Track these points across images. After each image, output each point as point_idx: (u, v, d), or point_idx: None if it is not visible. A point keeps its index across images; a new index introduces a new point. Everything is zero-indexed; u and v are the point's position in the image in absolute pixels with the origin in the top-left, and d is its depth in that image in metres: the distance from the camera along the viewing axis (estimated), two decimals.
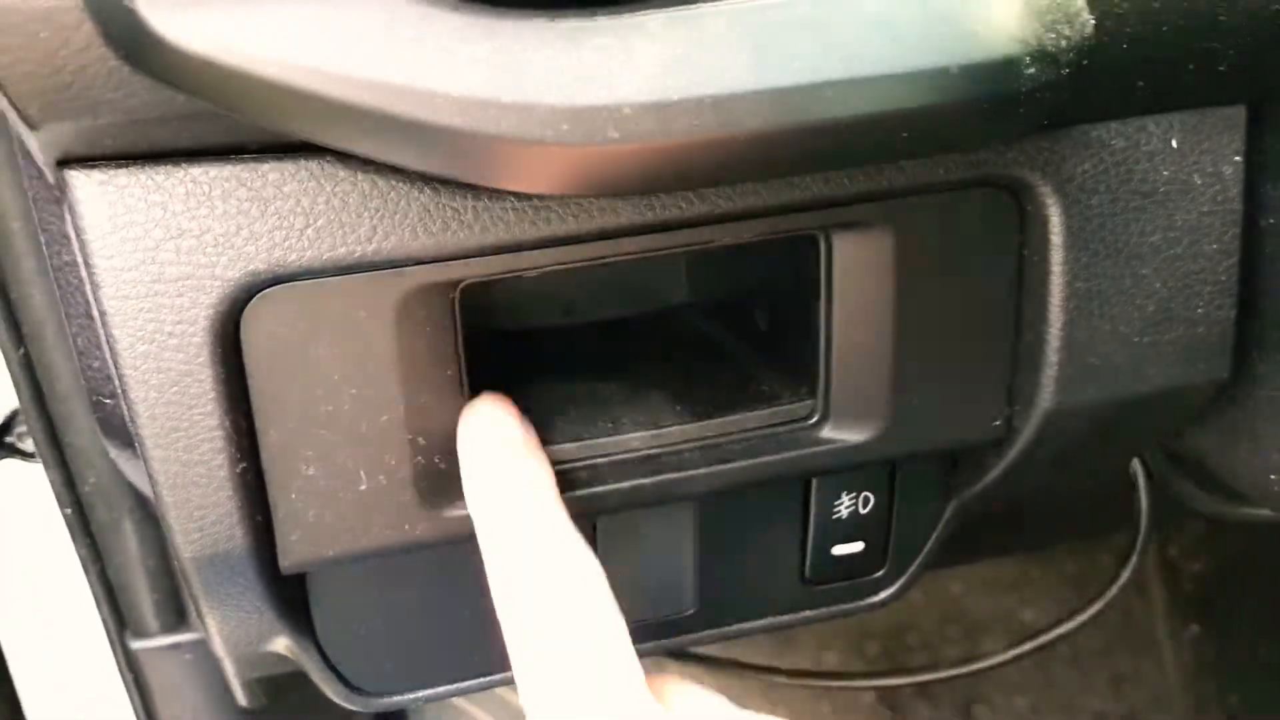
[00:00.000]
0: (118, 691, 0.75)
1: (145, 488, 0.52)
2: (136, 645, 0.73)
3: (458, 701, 1.11)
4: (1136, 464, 0.64)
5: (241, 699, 0.74)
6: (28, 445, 0.66)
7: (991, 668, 0.73)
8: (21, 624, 0.76)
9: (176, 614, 0.73)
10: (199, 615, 0.49)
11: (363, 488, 0.45)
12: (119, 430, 0.48)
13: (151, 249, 0.40)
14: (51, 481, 0.64)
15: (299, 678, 0.56)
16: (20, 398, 0.60)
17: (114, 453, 0.52)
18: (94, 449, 0.63)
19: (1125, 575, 0.64)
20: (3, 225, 0.54)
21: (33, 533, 0.71)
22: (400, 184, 0.41)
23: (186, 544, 0.44)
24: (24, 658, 0.77)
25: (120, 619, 0.72)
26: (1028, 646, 0.72)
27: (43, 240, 0.46)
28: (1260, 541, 1.13)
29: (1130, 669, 1.26)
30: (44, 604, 0.74)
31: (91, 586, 0.69)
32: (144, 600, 0.71)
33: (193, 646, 0.74)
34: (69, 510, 0.66)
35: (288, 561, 0.46)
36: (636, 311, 0.60)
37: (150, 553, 0.69)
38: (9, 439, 0.67)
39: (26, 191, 0.47)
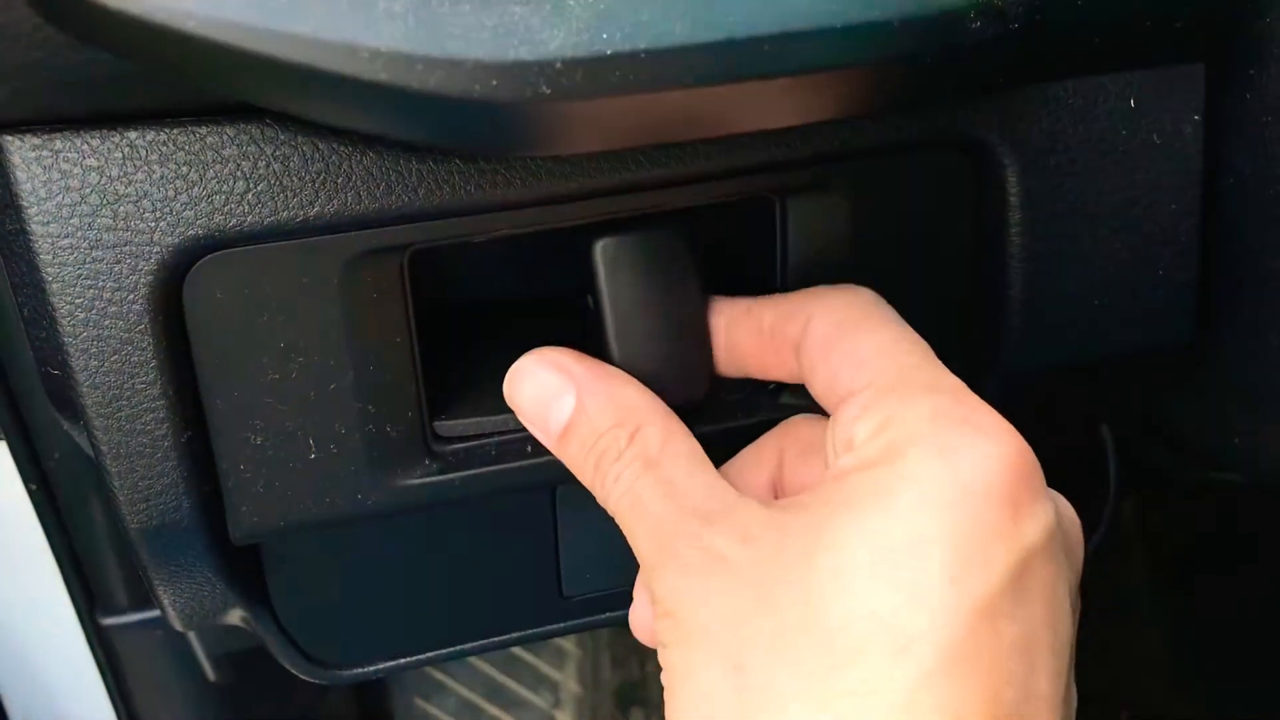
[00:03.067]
0: (88, 669, 0.75)
1: None
2: (106, 622, 0.73)
3: (431, 671, 1.12)
4: (1105, 430, 0.63)
5: (210, 674, 0.74)
6: None
7: None
8: None
9: (146, 590, 0.72)
10: (150, 589, 0.48)
11: (313, 457, 0.45)
12: (67, 402, 0.47)
13: (89, 215, 0.39)
14: (15, 457, 0.63)
15: (268, 652, 0.56)
16: None
17: (66, 425, 0.52)
18: (58, 424, 0.63)
19: (1095, 540, 0.63)
20: None
21: None
22: (343, 146, 0.40)
23: (133, 515, 0.44)
24: None
25: (89, 596, 0.71)
26: None
27: None
28: (1241, 511, 1.13)
29: (1113, 639, 1.26)
30: (10, 582, 0.73)
31: (59, 563, 0.69)
32: (113, 576, 0.71)
33: (163, 622, 0.73)
34: (33, 486, 0.65)
35: (238, 533, 0.45)
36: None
37: (118, 529, 0.69)
38: None
39: None
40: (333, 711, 1.01)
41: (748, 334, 0.45)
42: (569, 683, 1.17)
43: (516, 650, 1.16)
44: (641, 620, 0.44)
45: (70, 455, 0.64)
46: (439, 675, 1.12)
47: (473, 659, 1.13)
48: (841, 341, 0.40)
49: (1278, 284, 0.48)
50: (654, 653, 0.40)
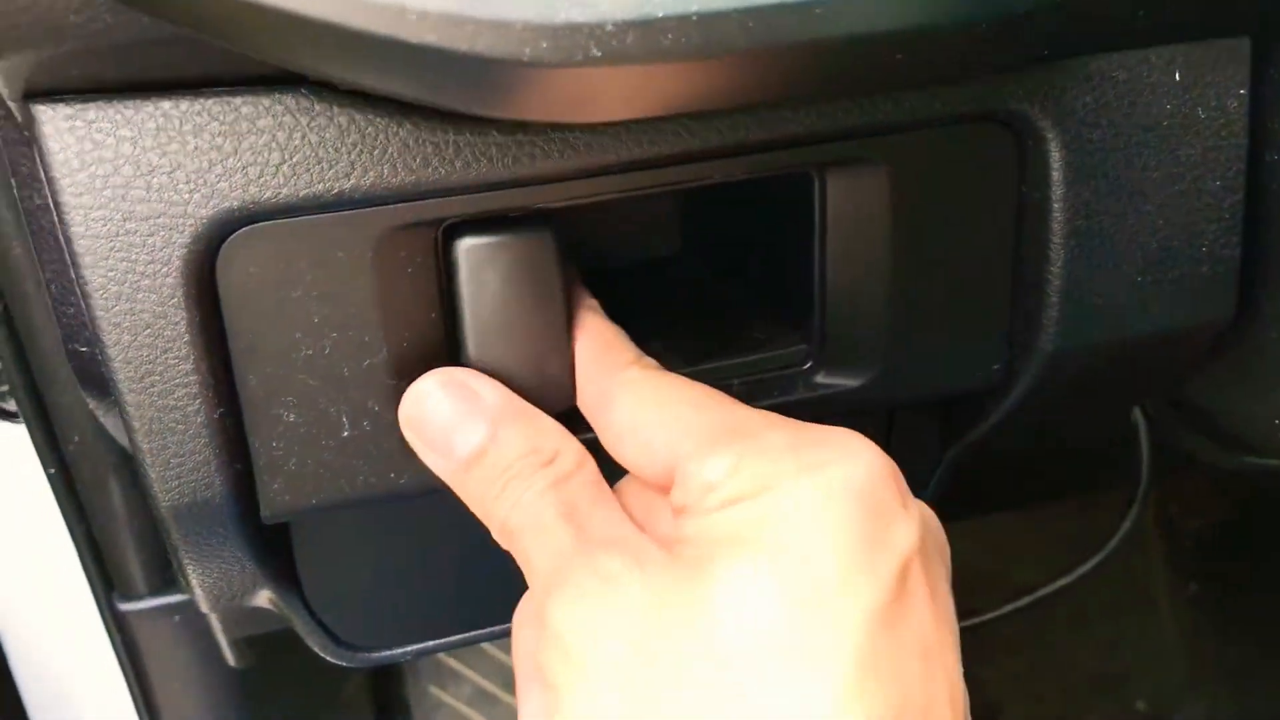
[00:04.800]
0: (106, 654, 0.74)
1: (124, 439, 0.51)
2: (125, 607, 0.72)
3: (447, 660, 1.11)
4: (1138, 413, 0.62)
5: (230, 659, 0.73)
6: (9, 404, 0.65)
7: (985, 623, 0.73)
8: (6, 588, 0.75)
9: (165, 575, 0.72)
10: (179, 568, 0.48)
11: (345, 435, 0.44)
12: (96, 379, 0.47)
13: (122, 186, 0.39)
14: (34, 441, 0.63)
15: (289, 637, 0.55)
16: (1, 355, 0.59)
17: (92, 404, 0.51)
18: (77, 407, 0.62)
19: (1127, 525, 0.63)
20: None
21: (15, 495, 0.70)
22: (379, 118, 0.40)
23: (164, 492, 0.43)
24: (10, 622, 0.76)
25: (107, 581, 0.71)
26: (1024, 601, 0.71)
27: (13, 185, 0.45)
28: (1260, 499, 1.12)
29: (1128, 628, 1.26)
30: (29, 567, 0.73)
31: (77, 548, 0.68)
32: (131, 561, 0.70)
33: (182, 608, 0.73)
34: (53, 470, 0.65)
35: (269, 511, 0.45)
36: (627, 262, 0.59)
37: (137, 513, 0.68)
38: None
39: None
40: (349, 699, 1.01)
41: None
42: None
43: None
44: (524, 651, 0.43)
45: (89, 439, 0.64)
46: (454, 664, 1.11)
47: (488, 646, 1.12)
48: (648, 411, 0.41)
49: None
50: None
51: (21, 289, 0.57)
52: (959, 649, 0.37)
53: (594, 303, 0.46)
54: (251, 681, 0.81)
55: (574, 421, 0.43)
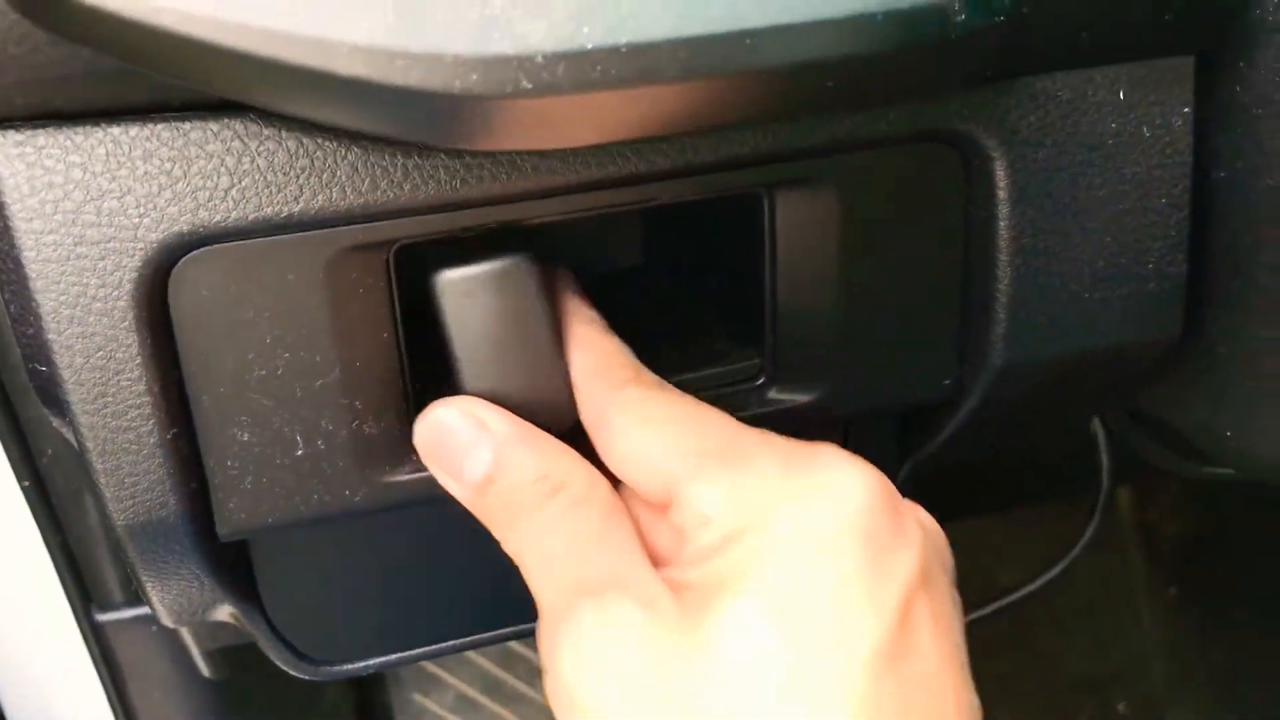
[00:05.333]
0: (84, 665, 0.74)
1: None
2: (102, 618, 0.72)
3: (428, 667, 1.12)
4: (1097, 423, 0.63)
5: (204, 670, 0.73)
6: None
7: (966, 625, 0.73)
8: None
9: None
10: (138, 585, 0.48)
11: (300, 453, 0.44)
12: (53, 399, 0.47)
13: (72, 211, 0.39)
14: (8, 455, 0.63)
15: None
16: None
17: (56, 422, 0.51)
18: (50, 421, 0.62)
19: (1089, 533, 0.63)
20: None
21: None
22: (328, 142, 0.40)
23: (119, 511, 0.43)
24: None
25: (84, 592, 0.71)
26: (1001, 603, 0.72)
27: None
28: (1235, 503, 1.13)
29: (1111, 631, 1.26)
30: (5, 579, 0.73)
31: (54, 560, 0.69)
32: (108, 572, 0.71)
33: (158, 618, 0.73)
34: (27, 483, 0.65)
35: (225, 529, 0.45)
36: (591, 273, 0.59)
37: (112, 525, 0.68)
38: None
39: None
40: (330, 707, 1.01)
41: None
42: None
43: (514, 645, 1.16)
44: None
45: (63, 452, 0.64)
46: (437, 670, 1.12)
47: (470, 654, 1.13)
48: (644, 429, 0.41)
49: (1267, 278, 0.48)
50: None
51: None
52: (967, 664, 0.37)
53: (591, 314, 0.46)
54: (230, 691, 0.81)
55: (582, 437, 0.43)
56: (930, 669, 0.35)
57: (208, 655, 0.73)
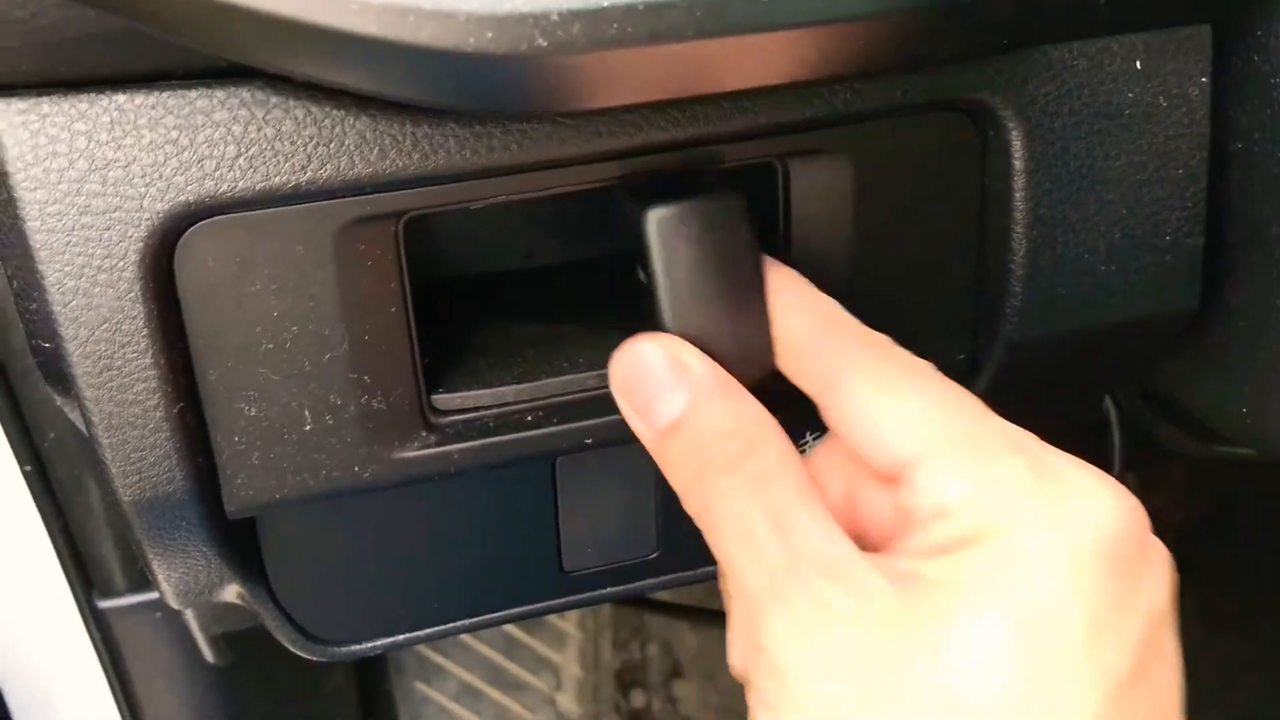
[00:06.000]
0: (86, 652, 0.74)
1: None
2: (104, 604, 0.72)
3: (431, 655, 1.11)
4: (1109, 403, 0.62)
5: (208, 655, 0.73)
6: None
7: None
8: None
9: (144, 572, 0.72)
10: (145, 564, 0.48)
11: (308, 428, 0.44)
12: (59, 375, 0.47)
13: (77, 181, 0.39)
14: (9, 438, 0.63)
15: (268, 633, 0.55)
16: None
17: (59, 400, 0.51)
18: (52, 404, 0.62)
19: None
20: None
21: None
22: (336, 110, 0.39)
23: (125, 487, 0.43)
24: None
25: (86, 578, 0.71)
26: None
27: None
28: (1242, 490, 1.12)
29: None
30: (7, 565, 0.73)
31: (55, 546, 0.68)
32: (110, 558, 0.70)
33: (162, 604, 0.73)
34: (29, 467, 0.65)
35: (233, 505, 0.45)
36: (598, 253, 0.59)
37: (115, 510, 0.68)
38: None
39: None
40: (334, 695, 1.01)
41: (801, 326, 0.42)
42: (570, 665, 1.17)
43: (517, 633, 1.15)
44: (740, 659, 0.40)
45: (65, 436, 0.64)
46: (439, 658, 1.11)
47: (473, 642, 1.12)
48: (886, 399, 0.38)
49: None
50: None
51: None
52: (1183, 699, 0.36)
53: (793, 271, 0.43)
54: (232, 678, 0.81)
55: (766, 394, 0.41)
56: (1161, 704, 0.34)
57: (212, 640, 0.72)
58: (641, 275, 0.42)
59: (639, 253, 0.42)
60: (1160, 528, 0.36)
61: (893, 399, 0.38)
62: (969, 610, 0.33)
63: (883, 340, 0.40)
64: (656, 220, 0.41)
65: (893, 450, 0.37)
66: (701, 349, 0.41)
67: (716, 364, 0.41)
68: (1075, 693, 0.32)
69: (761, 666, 0.36)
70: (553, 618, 1.16)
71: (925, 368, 0.39)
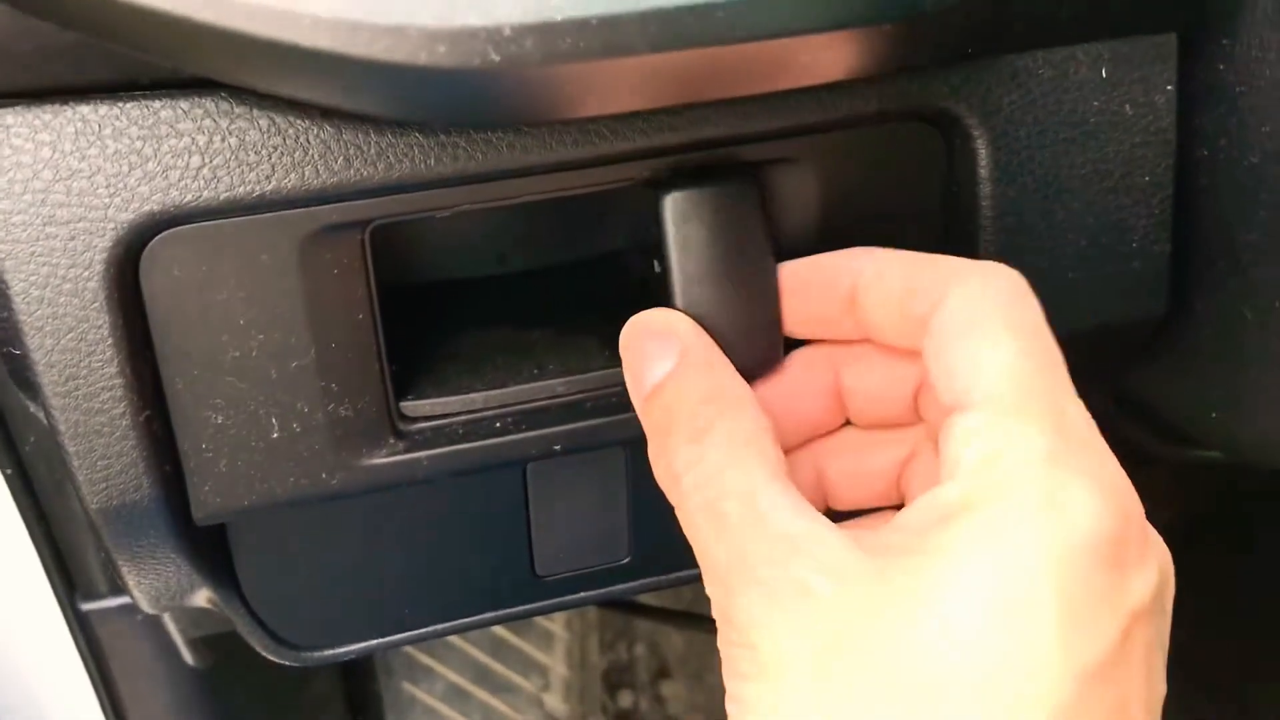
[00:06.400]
0: (69, 655, 0.74)
1: None
2: (87, 607, 0.72)
3: (419, 656, 1.11)
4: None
5: (188, 658, 0.73)
6: None
7: None
8: None
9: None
10: (115, 570, 0.48)
11: (275, 436, 0.44)
12: (28, 383, 0.47)
13: (42, 191, 0.39)
14: None
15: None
16: None
17: (31, 407, 0.51)
18: (31, 408, 0.62)
19: None
20: None
21: None
22: (300, 120, 0.40)
23: (93, 495, 0.43)
24: None
25: (69, 580, 0.71)
26: None
27: None
28: (1229, 492, 1.12)
29: None
30: None
31: (37, 549, 0.68)
32: (92, 561, 0.70)
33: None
34: (9, 471, 0.65)
35: (201, 513, 0.45)
36: (573, 258, 0.59)
37: (86, 509, 0.68)
38: None
39: None
40: (319, 697, 1.01)
41: (822, 298, 0.43)
42: (557, 666, 1.17)
43: (504, 634, 1.16)
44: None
45: (46, 440, 0.64)
46: (426, 659, 1.12)
47: (460, 643, 1.12)
48: (968, 339, 0.37)
49: (1252, 256, 0.48)
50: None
51: None
52: (1161, 702, 0.36)
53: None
54: (215, 679, 0.81)
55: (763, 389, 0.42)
56: (1127, 698, 0.34)
57: (191, 643, 0.72)
58: (656, 266, 0.43)
59: (654, 240, 0.43)
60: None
61: (976, 340, 0.37)
62: (944, 587, 0.33)
63: (989, 265, 0.40)
64: (672, 203, 0.42)
65: (954, 390, 0.37)
66: (707, 330, 0.42)
67: (709, 338, 0.42)
68: (1041, 677, 0.32)
69: (733, 640, 0.36)
70: (540, 619, 1.17)
71: (1026, 307, 0.39)
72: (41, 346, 0.40)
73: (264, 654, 0.52)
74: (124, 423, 0.42)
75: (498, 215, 0.56)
